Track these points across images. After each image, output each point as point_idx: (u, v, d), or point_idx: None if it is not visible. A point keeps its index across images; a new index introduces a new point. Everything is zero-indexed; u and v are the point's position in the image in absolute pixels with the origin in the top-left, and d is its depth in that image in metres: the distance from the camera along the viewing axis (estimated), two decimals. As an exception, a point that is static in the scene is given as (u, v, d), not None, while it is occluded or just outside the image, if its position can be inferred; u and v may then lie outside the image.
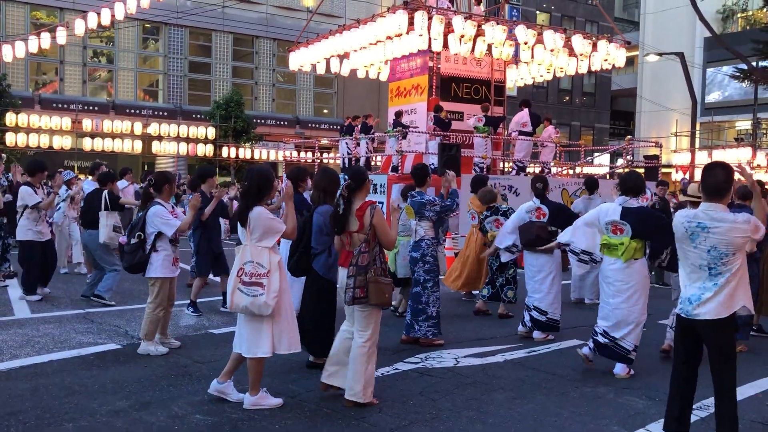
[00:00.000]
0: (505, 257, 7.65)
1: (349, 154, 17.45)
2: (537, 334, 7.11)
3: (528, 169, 16.21)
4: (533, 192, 7.31)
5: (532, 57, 16.59)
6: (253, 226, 4.63)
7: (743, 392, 5.40)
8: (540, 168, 16.45)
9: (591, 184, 9.78)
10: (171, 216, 6.05)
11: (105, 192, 8.51)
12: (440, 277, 7.28)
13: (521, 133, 15.82)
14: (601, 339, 5.84)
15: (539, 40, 15.29)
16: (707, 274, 3.88)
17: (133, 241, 6.01)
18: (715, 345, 3.93)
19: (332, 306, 5.64)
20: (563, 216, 7.04)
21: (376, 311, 4.80)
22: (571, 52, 16.30)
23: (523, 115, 15.88)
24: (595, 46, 16.34)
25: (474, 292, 9.37)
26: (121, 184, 12.58)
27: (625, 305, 5.73)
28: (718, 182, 3.88)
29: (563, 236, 6.25)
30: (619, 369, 5.79)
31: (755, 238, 3.90)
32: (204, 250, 7.96)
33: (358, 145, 16.75)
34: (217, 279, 8.40)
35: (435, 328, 6.68)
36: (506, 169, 16.82)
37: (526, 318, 7.14)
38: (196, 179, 8.39)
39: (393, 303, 7.80)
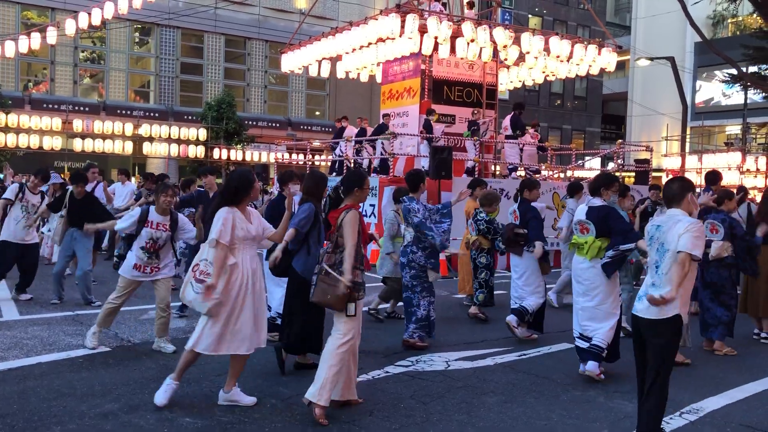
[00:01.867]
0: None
1: (340, 156, 17.42)
2: (520, 332, 7.15)
3: (519, 173, 16.27)
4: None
5: (523, 60, 16.70)
6: (213, 226, 4.70)
7: (732, 396, 5.43)
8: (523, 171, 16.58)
9: (573, 187, 9.77)
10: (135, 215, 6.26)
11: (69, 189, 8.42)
12: (438, 281, 7.33)
13: (507, 137, 16.02)
14: (581, 344, 5.84)
15: (517, 45, 15.51)
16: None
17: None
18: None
19: (312, 305, 5.59)
20: (528, 217, 7.23)
21: (348, 315, 4.65)
22: (568, 57, 16.40)
23: (508, 119, 16.11)
24: (585, 48, 16.45)
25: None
26: (122, 188, 12.55)
27: (592, 303, 5.78)
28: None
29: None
30: (591, 366, 5.71)
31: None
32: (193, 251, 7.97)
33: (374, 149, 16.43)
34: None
35: (422, 330, 6.69)
36: (497, 173, 16.90)
37: (512, 318, 7.16)
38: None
39: (371, 305, 7.89)
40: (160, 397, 4.72)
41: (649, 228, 4.21)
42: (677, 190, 4.16)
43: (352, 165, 16.25)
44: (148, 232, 6.16)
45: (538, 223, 7.18)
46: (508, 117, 16.25)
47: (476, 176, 13.39)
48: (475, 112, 15.91)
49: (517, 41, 15.51)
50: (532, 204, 7.41)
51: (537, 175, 15.91)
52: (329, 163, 19.16)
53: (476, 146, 14.87)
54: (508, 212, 7.54)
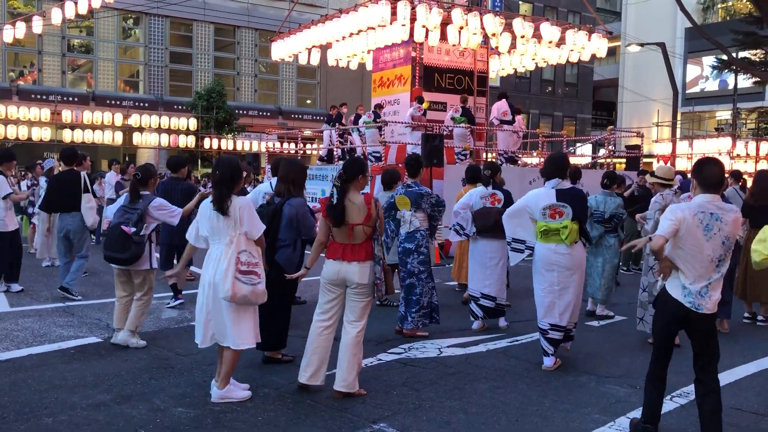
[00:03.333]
0: (452, 237, 7.56)
1: (331, 144, 17.33)
2: (502, 322, 7.16)
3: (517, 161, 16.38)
4: (482, 178, 7.26)
5: (515, 47, 16.67)
6: (241, 216, 4.58)
7: (723, 379, 5.46)
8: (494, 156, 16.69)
9: (573, 173, 9.79)
10: (173, 207, 6.12)
11: (84, 173, 8.36)
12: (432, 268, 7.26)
13: (502, 122, 15.93)
14: (554, 335, 5.67)
15: (509, 29, 15.49)
16: (715, 266, 3.88)
17: (143, 233, 5.94)
18: (709, 332, 3.99)
19: (288, 301, 5.61)
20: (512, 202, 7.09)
21: (371, 301, 4.88)
22: (559, 43, 16.39)
23: (501, 105, 15.99)
24: (583, 35, 16.46)
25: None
26: (110, 176, 12.43)
27: (572, 288, 5.57)
28: (718, 175, 3.96)
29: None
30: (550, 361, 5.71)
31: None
32: (164, 242, 7.96)
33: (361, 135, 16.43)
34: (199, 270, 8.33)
35: (425, 318, 6.67)
36: (489, 160, 16.86)
37: (475, 309, 7.06)
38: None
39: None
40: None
41: (701, 216, 3.86)
42: (721, 178, 3.98)
43: (347, 153, 16.22)
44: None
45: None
46: (502, 102, 16.12)
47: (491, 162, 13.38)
48: (465, 98, 15.84)
49: (508, 27, 15.49)
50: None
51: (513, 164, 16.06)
52: (321, 152, 19.06)
53: (467, 134, 14.86)
54: (476, 194, 7.05)
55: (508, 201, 6.97)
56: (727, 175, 8.65)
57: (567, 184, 5.64)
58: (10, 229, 8.41)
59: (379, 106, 16.08)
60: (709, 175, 3.92)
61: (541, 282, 5.67)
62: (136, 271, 6.09)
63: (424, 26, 14.37)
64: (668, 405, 4.83)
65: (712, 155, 8.34)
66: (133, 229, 5.89)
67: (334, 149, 17.04)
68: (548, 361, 5.69)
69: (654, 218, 6.42)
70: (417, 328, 6.64)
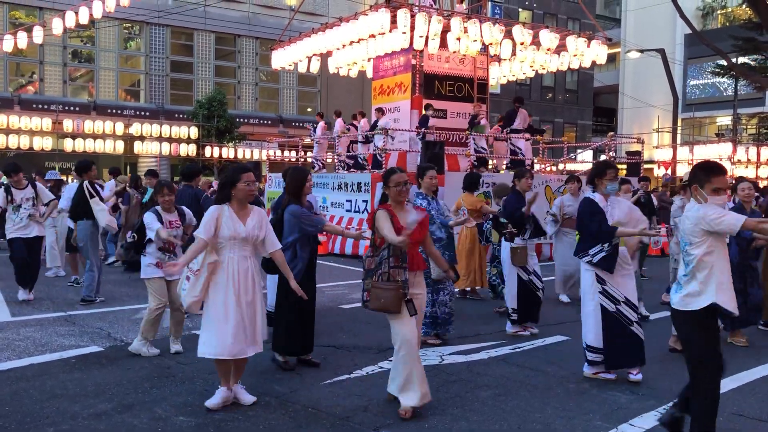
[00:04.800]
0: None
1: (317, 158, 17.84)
2: (508, 327, 7.21)
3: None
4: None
5: (515, 54, 16.69)
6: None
7: (725, 385, 5.45)
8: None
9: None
10: (157, 223, 6.05)
11: (86, 183, 8.54)
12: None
13: (514, 131, 15.86)
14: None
15: (509, 36, 15.50)
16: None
17: (128, 239, 6.24)
18: None
19: (295, 304, 5.49)
20: (507, 210, 7.29)
21: (399, 316, 4.60)
22: (556, 50, 16.41)
23: (524, 114, 15.89)
24: (582, 42, 16.49)
25: (467, 289, 9.44)
26: (110, 185, 12.46)
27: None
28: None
29: None
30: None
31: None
32: None
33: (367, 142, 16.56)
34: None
35: (427, 327, 6.66)
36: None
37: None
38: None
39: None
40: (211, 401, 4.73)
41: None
42: None
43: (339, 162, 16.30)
44: (167, 232, 6.03)
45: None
46: (523, 111, 16.05)
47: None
48: (475, 105, 15.82)
49: (508, 34, 15.53)
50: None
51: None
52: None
53: (474, 140, 14.86)
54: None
55: (506, 208, 7.11)
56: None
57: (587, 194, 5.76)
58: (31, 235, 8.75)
59: (380, 111, 16.13)
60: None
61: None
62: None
63: (421, 36, 14.38)
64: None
65: (715, 160, 8.33)
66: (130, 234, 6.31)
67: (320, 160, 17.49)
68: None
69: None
70: (427, 336, 6.64)
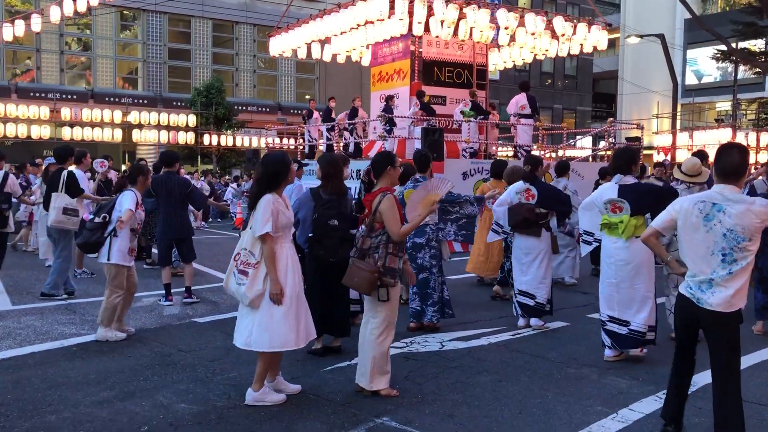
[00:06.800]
0: (490, 237, 7.54)
1: (311, 140, 17.66)
2: (534, 321, 6.93)
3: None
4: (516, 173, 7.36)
5: (513, 40, 16.60)
6: (256, 213, 4.46)
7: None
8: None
9: (561, 167, 9.74)
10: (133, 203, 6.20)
11: (65, 172, 8.27)
12: (443, 261, 7.18)
13: (521, 116, 15.72)
14: (612, 327, 5.67)
15: (521, 24, 15.32)
16: (720, 260, 3.69)
17: (97, 220, 6.14)
18: (718, 334, 3.77)
19: (319, 283, 5.61)
20: (554, 198, 6.93)
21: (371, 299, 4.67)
22: (553, 35, 16.34)
23: (520, 98, 15.77)
24: (575, 28, 16.38)
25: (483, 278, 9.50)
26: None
27: (627, 284, 5.56)
28: (734, 163, 3.74)
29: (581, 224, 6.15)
30: (635, 351, 5.73)
31: None
32: (160, 237, 8.02)
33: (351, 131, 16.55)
34: (202, 267, 8.36)
35: (438, 312, 6.68)
36: (502, 155, 16.84)
37: (515, 306, 7.02)
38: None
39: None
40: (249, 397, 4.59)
41: (701, 207, 3.76)
42: (740, 166, 3.72)
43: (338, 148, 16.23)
44: (139, 214, 6.27)
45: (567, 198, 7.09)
46: (521, 96, 15.77)
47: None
48: (474, 92, 15.70)
49: (521, 23, 15.35)
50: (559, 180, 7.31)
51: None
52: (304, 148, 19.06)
53: (468, 128, 14.82)
54: (513, 190, 7.01)
55: (543, 197, 6.86)
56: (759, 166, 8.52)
57: (630, 180, 5.63)
58: None
59: (391, 98, 15.97)
60: (724, 163, 3.72)
61: (603, 273, 5.78)
62: (104, 264, 6.24)
63: (420, 22, 14.24)
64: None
65: (712, 146, 8.29)
66: (90, 216, 6.21)
67: (315, 145, 17.33)
68: (608, 352, 5.77)
69: None
70: (432, 322, 6.64)
